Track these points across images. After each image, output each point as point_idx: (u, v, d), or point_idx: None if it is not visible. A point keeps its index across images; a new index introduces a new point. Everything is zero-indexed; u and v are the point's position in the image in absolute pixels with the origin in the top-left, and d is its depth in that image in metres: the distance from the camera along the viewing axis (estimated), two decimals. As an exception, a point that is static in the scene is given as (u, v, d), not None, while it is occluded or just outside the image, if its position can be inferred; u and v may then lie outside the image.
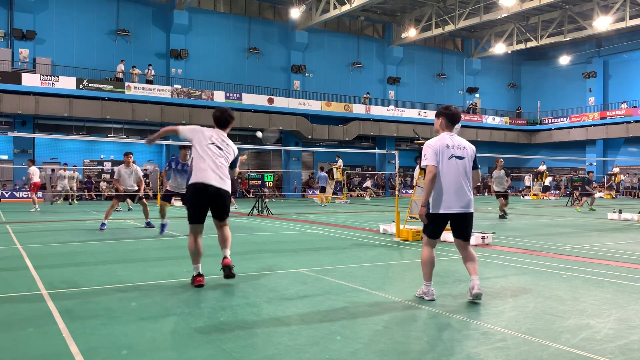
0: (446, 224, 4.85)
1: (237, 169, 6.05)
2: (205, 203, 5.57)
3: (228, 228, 5.81)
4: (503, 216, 14.92)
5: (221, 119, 5.75)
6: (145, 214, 11.93)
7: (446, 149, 4.75)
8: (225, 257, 5.55)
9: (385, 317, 4.22)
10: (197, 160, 5.53)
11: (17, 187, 26.94)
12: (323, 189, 23.68)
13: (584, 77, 43.02)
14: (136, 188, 11.85)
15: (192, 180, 5.52)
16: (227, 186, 5.61)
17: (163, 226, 10.70)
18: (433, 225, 4.81)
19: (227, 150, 5.69)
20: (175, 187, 10.60)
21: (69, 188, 23.05)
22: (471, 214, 4.80)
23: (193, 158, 5.62)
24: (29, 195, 19.63)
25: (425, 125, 36.53)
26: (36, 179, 18.52)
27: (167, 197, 10.84)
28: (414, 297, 4.90)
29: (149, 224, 11.83)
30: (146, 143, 6.26)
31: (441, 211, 4.72)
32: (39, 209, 18.24)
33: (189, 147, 10.75)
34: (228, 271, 5.48)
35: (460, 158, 4.76)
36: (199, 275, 5.44)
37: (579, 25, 36.55)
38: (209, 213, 5.72)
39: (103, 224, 11.28)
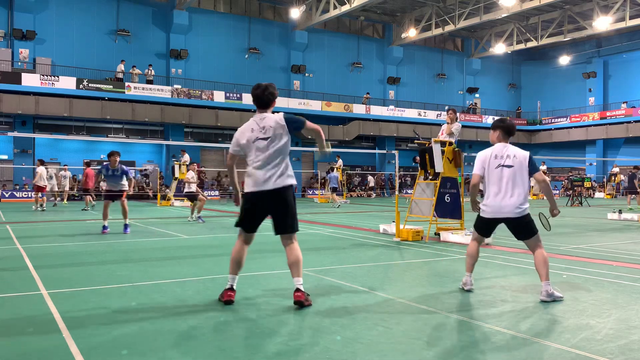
0: (494, 227, 5.22)
1: (311, 126, 4.98)
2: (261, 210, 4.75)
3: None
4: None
5: (262, 98, 4.83)
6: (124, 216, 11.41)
7: (494, 159, 5.09)
8: (296, 289, 4.57)
9: (385, 317, 4.22)
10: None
11: (17, 187, 26.92)
12: (334, 189, 23.42)
13: (584, 77, 43.02)
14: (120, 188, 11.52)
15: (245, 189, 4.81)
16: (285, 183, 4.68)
17: (104, 227, 10.77)
18: (481, 226, 5.23)
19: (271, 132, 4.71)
20: (110, 188, 11.09)
21: (57, 188, 22.76)
22: (521, 218, 4.96)
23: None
24: (32, 195, 19.80)
25: (425, 125, 36.55)
26: (41, 182, 18.54)
27: (109, 197, 11.14)
28: (415, 297, 4.90)
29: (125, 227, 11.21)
30: (236, 204, 5.12)
31: (487, 217, 5.11)
32: (41, 209, 18.31)
33: (118, 153, 11.05)
34: (299, 306, 4.53)
35: (509, 167, 5.02)
36: (231, 289, 4.67)
37: (579, 25, 36.55)
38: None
39: (105, 227, 10.89)
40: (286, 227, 4.72)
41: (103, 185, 11.91)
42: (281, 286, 5.41)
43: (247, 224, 4.75)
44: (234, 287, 4.69)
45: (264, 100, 4.80)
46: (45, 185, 18.88)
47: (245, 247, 4.76)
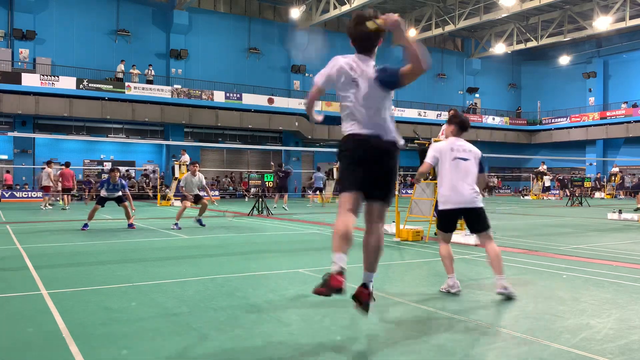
0: (456, 220, 5.25)
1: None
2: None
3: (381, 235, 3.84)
4: None
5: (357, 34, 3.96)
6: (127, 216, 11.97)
7: (450, 151, 5.15)
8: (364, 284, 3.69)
9: (385, 317, 4.22)
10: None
11: (17, 187, 26.92)
12: (318, 190, 23.26)
13: (584, 77, 43.02)
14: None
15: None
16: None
17: (85, 225, 11.27)
18: (444, 221, 5.24)
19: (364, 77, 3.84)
20: (108, 195, 11.69)
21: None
22: (478, 209, 5.09)
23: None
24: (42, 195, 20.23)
25: (425, 125, 36.54)
26: (47, 182, 18.98)
27: (101, 201, 11.73)
28: (415, 297, 4.89)
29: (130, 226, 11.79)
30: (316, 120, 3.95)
31: (448, 208, 5.12)
32: (49, 207, 18.57)
33: (119, 170, 11.82)
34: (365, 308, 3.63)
35: (465, 160, 5.14)
36: (341, 272, 3.39)
37: (579, 25, 36.55)
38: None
39: (86, 225, 11.30)
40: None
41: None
42: (281, 286, 5.41)
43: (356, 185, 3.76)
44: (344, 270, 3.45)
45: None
46: (50, 186, 19.28)
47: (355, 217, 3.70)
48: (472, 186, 5.08)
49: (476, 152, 5.24)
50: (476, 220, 5.12)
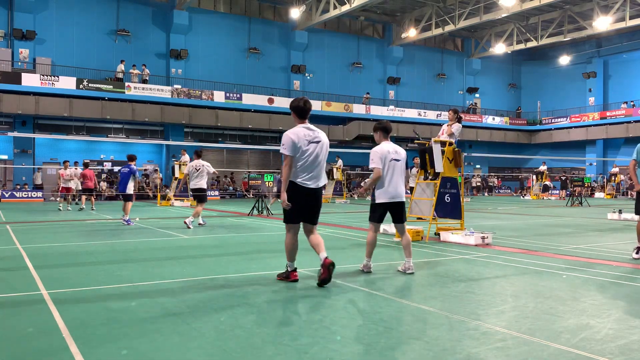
0: (386, 212, 6.23)
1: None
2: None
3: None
4: None
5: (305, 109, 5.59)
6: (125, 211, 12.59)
7: (388, 154, 6.14)
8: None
9: (385, 317, 4.22)
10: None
11: (18, 187, 26.91)
12: None
13: (584, 77, 43.02)
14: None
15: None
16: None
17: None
18: (381, 213, 6.27)
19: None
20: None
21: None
22: (404, 203, 6.30)
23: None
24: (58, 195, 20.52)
25: (426, 125, 36.55)
26: (69, 183, 19.26)
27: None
28: (415, 297, 4.90)
29: (127, 222, 12.36)
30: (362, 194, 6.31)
31: (387, 201, 6.15)
32: (68, 209, 18.69)
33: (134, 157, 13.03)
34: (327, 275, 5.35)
35: (398, 160, 6.20)
36: (295, 270, 5.68)
37: (579, 25, 36.55)
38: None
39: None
40: None
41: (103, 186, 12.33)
42: (281, 286, 5.42)
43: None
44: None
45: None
46: (71, 187, 19.59)
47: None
48: (403, 183, 6.22)
49: (403, 152, 6.34)
50: (402, 213, 6.28)
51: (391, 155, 6.14)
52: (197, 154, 12.35)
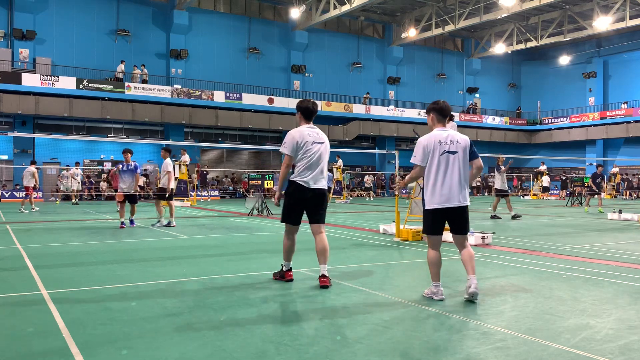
0: (445, 220, 4.85)
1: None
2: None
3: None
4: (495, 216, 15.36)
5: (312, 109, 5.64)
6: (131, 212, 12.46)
7: (438, 145, 4.79)
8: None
9: (385, 317, 4.22)
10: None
11: (18, 187, 26.90)
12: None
13: (584, 77, 43.02)
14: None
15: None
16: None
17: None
18: (434, 221, 4.83)
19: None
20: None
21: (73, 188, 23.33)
22: (465, 207, 4.82)
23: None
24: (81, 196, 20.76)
25: (425, 125, 36.37)
26: (71, 184, 19.53)
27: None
28: (415, 297, 4.89)
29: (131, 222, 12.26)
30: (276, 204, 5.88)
31: (435, 207, 4.77)
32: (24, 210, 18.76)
33: (130, 151, 12.00)
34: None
35: (453, 153, 4.78)
36: (290, 269, 5.67)
37: (579, 25, 36.55)
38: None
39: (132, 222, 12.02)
40: None
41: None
42: (280, 286, 5.41)
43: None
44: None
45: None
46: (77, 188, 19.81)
47: None
48: (462, 183, 4.80)
49: (464, 140, 4.90)
50: (461, 220, 4.86)
51: (444, 146, 4.76)
52: (167, 149, 12.37)
